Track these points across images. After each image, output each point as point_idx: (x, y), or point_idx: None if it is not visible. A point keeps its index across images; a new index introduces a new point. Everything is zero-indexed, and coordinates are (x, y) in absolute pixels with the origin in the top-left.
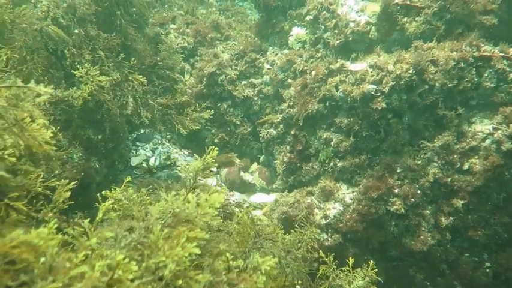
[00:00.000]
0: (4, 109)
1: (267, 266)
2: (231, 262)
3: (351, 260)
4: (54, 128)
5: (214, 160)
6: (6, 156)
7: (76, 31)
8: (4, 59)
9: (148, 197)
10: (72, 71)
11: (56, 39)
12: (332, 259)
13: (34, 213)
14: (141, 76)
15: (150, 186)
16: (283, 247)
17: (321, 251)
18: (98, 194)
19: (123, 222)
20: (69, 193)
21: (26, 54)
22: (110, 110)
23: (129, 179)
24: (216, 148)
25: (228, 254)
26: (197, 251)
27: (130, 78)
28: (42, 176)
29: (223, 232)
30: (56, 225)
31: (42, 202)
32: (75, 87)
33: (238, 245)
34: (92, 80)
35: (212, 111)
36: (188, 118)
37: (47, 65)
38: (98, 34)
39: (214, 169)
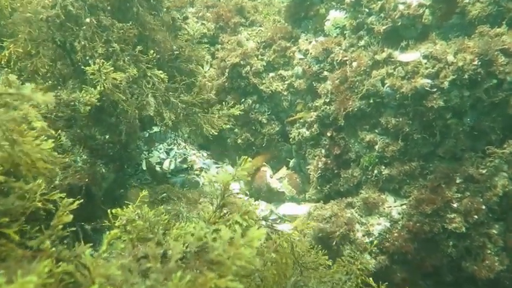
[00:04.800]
0: None
1: None
2: None
3: None
4: (54, 132)
5: (246, 173)
6: None
7: (87, 20)
8: (6, 54)
9: (166, 216)
10: (83, 66)
11: (65, 30)
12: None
13: (28, 241)
14: (160, 72)
15: (164, 194)
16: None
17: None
18: (109, 211)
19: (135, 250)
20: (71, 217)
21: (31, 48)
22: (127, 111)
23: (145, 193)
24: (247, 158)
25: None
26: None
27: (149, 74)
28: (42, 188)
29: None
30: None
31: (38, 227)
32: (83, 91)
33: (274, 278)
34: (105, 77)
35: (242, 106)
36: (216, 116)
37: (54, 60)
38: (112, 24)
39: None
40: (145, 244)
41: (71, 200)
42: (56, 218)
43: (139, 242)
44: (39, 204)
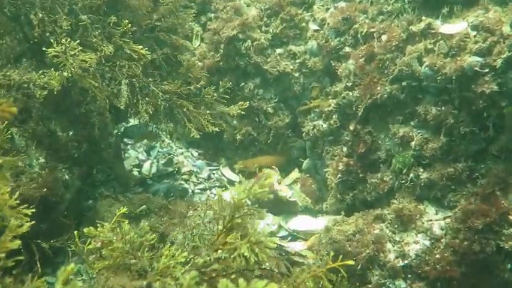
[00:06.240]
0: None
1: None
2: None
3: None
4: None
5: (266, 191)
6: None
7: None
8: None
9: (153, 235)
10: (42, 45)
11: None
12: None
13: None
14: (140, 47)
15: (144, 207)
16: None
17: None
18: (76, 232)
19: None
20: (17, 243)
21: None
22: (97, 100)
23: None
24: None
25: None
26: None
27: (127, 51)
28: None
29: None
30: None
31: None
32: (39, 73)
33: None
34: (72, 61)
35: (247, 104)
36: (208, 112)
37: (5, 35)
38: None
39: (237, 178)
40: (123, 273)
41: (17, 222)
42: None
43: (117, 269)
44: None
